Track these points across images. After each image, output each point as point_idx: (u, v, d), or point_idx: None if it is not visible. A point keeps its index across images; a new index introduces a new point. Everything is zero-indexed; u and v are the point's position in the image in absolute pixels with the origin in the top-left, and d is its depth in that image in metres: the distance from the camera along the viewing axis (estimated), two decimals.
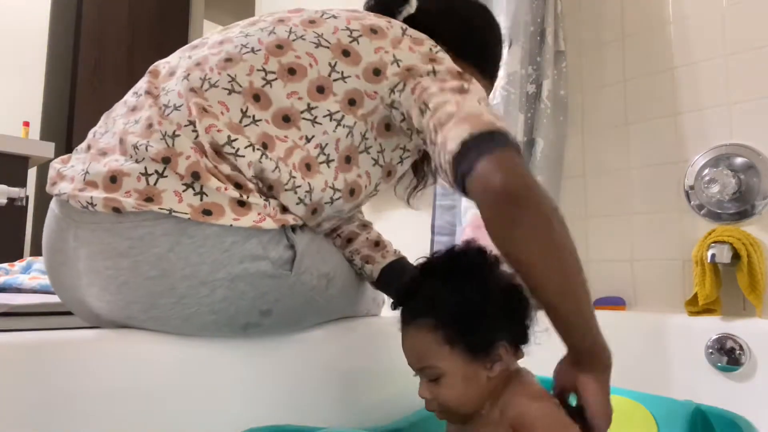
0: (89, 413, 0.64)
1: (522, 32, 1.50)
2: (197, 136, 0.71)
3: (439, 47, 0.80)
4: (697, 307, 1.29)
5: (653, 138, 1.51)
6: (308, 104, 0.75)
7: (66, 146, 2.25)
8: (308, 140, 0.75)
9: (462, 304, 0.66)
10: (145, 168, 0.70)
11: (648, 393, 0.84)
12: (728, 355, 1.22)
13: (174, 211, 0.68)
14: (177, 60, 0.82)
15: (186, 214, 0.68)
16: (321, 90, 0.76)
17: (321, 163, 0.75)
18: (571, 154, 1.66)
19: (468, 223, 1.32)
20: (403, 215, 1.98)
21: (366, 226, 1.00)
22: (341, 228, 0.98)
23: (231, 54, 0.78)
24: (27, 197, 1.60)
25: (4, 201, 1.45)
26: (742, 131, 1.36)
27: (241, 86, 0.75)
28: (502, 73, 1.50)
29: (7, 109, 2.07)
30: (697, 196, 1.41)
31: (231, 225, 0.69)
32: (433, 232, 1.62)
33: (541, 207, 0.62)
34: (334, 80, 0.76)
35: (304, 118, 0.75)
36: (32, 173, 1.83)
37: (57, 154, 1.43)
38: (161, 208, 0.68)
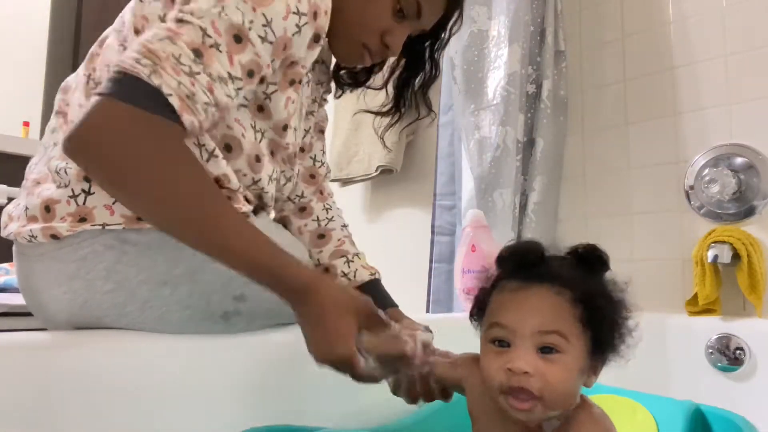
0: (89, 413, 0.64)
1: (522, 32, 1.50)
2: None
3: None
4: (697, 307, 1.29)
5: (653, 138, 1.51)
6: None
7: None
8: None
9: (604, 296, 0.60)
10: (72, 190, 0.69)
11: (648, 393, 0.84)
12: (728, 355, 1.21)
13: (107, 225, 0.68)
14: (81, 68, 0.79)
15: (120, 224, 0.68)
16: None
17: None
18: (571, 154, 1.65)
19: (468, 223, 1.32)
20: (403, 215, 1.98)
21: (323, 236, 0.95)
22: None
23: (107, 42, 0.75)
24: None
25: (4, 201, 1.45)
26: (742, 131, 1.36)
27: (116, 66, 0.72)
28: (502, 73, 1.50)
29: (7, 109, 2.06)
30: (697, 196, 1.41)
31: None
32: (433, 232, 1.62)
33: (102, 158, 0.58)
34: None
35: None
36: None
37: None
38: (94, 225, 0.68)
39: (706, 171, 1.38)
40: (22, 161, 1.64)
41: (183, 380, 0.72)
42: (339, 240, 0.94)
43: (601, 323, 0.59)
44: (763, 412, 0.94)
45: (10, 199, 1.44)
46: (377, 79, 0.98)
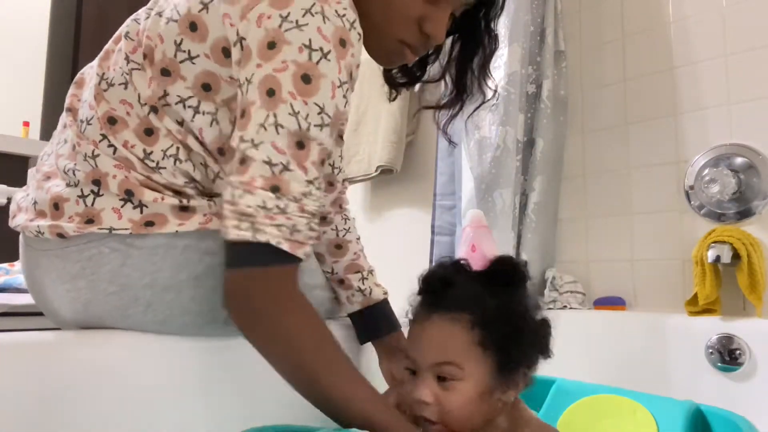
0: (89, 413, 0.64)
1: (522, 32, 1.50)
2: (115, 151, 0.70)
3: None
4: (697, 307, 1.29)
5: (653, 138, 1.51)
6: (164, 91, 0.69)
7: None
8: (180, 124, 0.70)
9: (505, 313, 0.62)
10: (81, 190, 0.70)
11: (648, 393, 0.84)
12: (728, 355, 1.21)
13: (114, 230, 0.68)
14: (95, 63, 0.78)
15: (127, 230, 0.68)
16: (167, 73, 0.69)
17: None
18: (571, 154, 1.65)
19: (468, 223, 1.32)
20: (403, 215, 1.98)
21: (340, 246, 0.94)
22: None
23: (121, 46, 0.74)
24: None
25: (4, 201, 1.45)
26: (742, 131, 1.36)
27: (128, 74, 0.71)
28: (502, 73, 1.50)
29: (7, 109, 2.06)
30: (697, 196, 1.41)
31: (176, 231, 0.69)
32: (433, 232, 1.62)
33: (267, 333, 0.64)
34: (181, 62, 0.68)
35: (165, 105, 0.70)
36: (31, 173, 1.82)
37: None
38: (101, 228, 0.68)
39: (706, 171, 1.38)
40: (22, 161, 1.65)
41: (183, 380, 0.72)
42: (355, 254, 0.94)
43: (503, 342, 0.62)
44: (763, 412, 0.94)
45: (10, 199, 1.44)
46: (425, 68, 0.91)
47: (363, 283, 0.92)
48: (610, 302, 1.50)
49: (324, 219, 0.94)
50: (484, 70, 0.86)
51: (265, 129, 0.61)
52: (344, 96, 0.66)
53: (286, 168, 0.62)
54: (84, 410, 0.63)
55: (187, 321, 0.73)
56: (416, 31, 0.74)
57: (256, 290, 0.62)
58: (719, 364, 1.22)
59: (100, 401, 0.65)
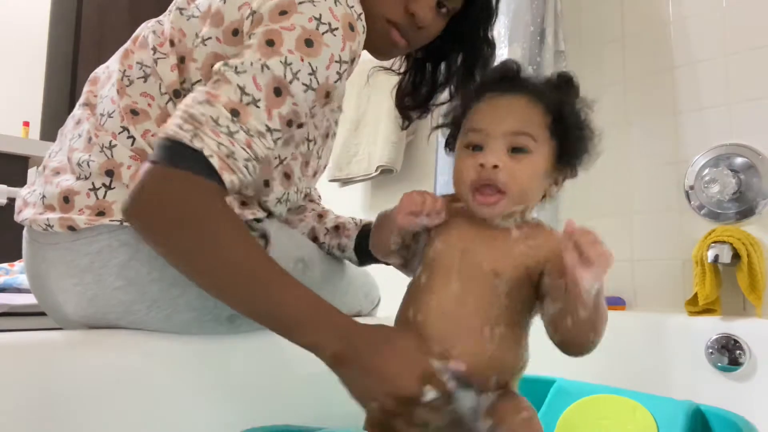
0: (89, 413, 0.64)
1: (522, 32, 1.50)
2: (134, 142, 0.71)
3: None
4: (697, 307, 1.29)
5: (653, 138, 1.51)
6: (182, 77, 0.73)
7: None
8: None
9: (573, 109, 0.67)
10: (93, 183, 0.70)
11: (648, 393, 0.84)
12: (728, 355, 1.21)
13: (125, 222, 0.68)
14: (114, 62, 0.80)
15: None
16: (183, 60, 0.73)
17: None
18: None
19: None
20: None
21: (321, 215, 0.98)
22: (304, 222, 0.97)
23: (141, 40, 0.77)
24: None
25: (4, 201, 1.45)
26: (742, 131, 1.36)
27: (149, 67, 0.74)
28: None
29: (7, 109, 2.06)
30: (697, 196, 1.41)
31: None
32: None
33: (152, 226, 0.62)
34: (196, 47, 0.72)
35: (182, 91, 0.73)
36: (32, 173, 1.83)
37: None
38: (112, 221, 0.68)
39: (706, 171, 1.38)
40: (22, 161, 1.65)
41: (183, 380, 0.72)
42: (336, 216, 0.98)
43: (567, 133, 0.66)
44: (763, 412, 0.94)
45: (10, 199, 1.44)
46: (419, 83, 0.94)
47: (353, 220, 0.96)
48: (610, 302, 1.50)
49: (298, 208, 0.96)
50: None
51: (252, 64, 0.63)
52: (338, 74, 0.68)
53: (254, 103, 0.63)
54: (85, 411, 0.63)
55: (191, 317, 0.73)
56: (401, 9, 0.75)
57: (174, 191, 0.61)
58: (719, 364, 1.22)
59: (101, 402, 0.65)
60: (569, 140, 0.66)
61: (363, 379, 0.60)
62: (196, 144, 0.60)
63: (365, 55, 0.79)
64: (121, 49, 0.80)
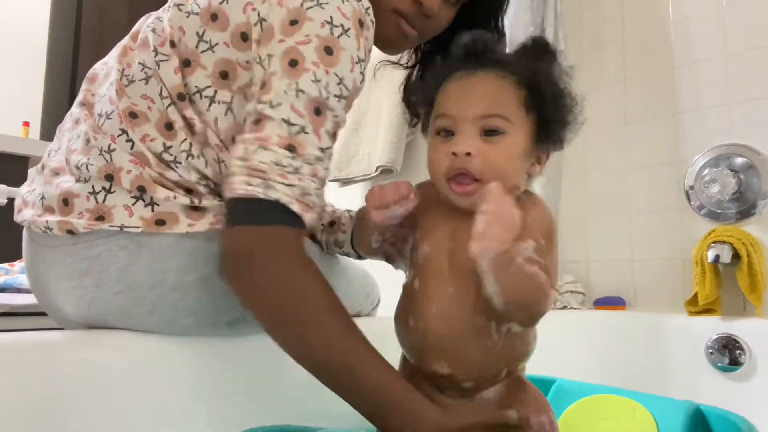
0: (89, 413, 0.64)
1: (522, 32, 1.50)
2: (133, 146, 0.70)
3: None
4: (697, 307, 1.29)
5: (653, 138, 1.51)
6: (185, 82, 0.71)
7: None
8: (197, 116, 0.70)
9: (548, 79, 0.62)
10: (93, 187, 0.69)
11: (648, 393, 0.84)
12: (728, 355, 1.21)
13: (125, 227, 0.68)
14: (113, 59, 0.78)
15: (138, 228, 0.68)
16: (187, 64, 0.70)
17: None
18: (571, 154, 1.65)
19: None
20: None
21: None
22: None
23: (142, 38, 0.75)
24: None
25: (4, 201, 1.45)
26: (742, 131, 1.36)
27: (150, 68, 0.72)
28: None
29: (7, 109, 2.06)
30: (697, 196, 1.41)
31: (186, 232, 0.69)
32: None
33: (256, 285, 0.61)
34: (202, 51, 0.70)
35: (185, 96, 0.71)
36: (32, 173, 1.82)
37: None
38: (112, 226, 0.68)
39: (706, 171, 1.38)
40: (22, 161, 1.65)
41: (183, 380, 0.72)
42: (332, 210, 0.97)
43: (545, 107, 0.61)
44: (763, 412, 0.94)
45: (10, 199, 1.44)
46: None
47: (347, 212, 0.95)
48: (610, 302, 1.50)
49: None
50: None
51: (286, 93, 0.63)
52: (361, 73, 0.68)
53: (303, 130, 0.62)
54: (85, 411, 0.63)
55: (191, 322, 0.73)
56: (409, 1, 0.74)
57: (261, 249, 0.61)
58: (719, 364, 1.22)
59: (101, 402, 0.65)
60: (548, 113, 0.62)
61: None
62: (272, 195, 0.60)
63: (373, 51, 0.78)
64: (119, 46, 0.78)
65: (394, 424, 0.58)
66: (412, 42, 0.82)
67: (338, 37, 0.64)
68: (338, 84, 0.65)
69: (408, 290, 0.66)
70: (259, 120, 0.63)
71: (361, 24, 0.66)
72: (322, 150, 0.64)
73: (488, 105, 0.60)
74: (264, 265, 0.61)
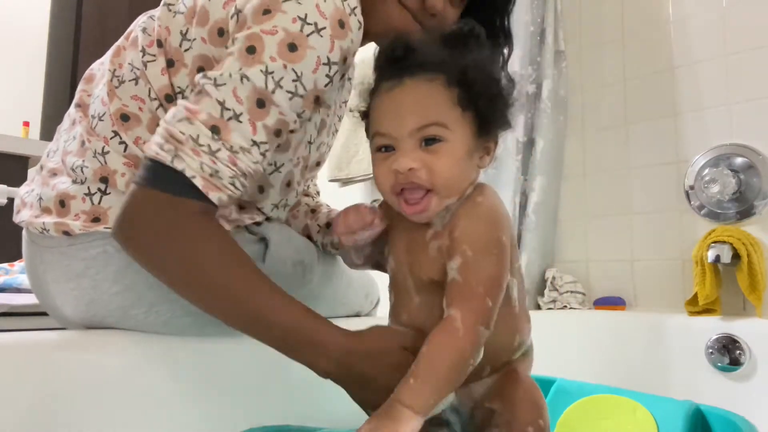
0: (89, 413, 0.64)
1: (522, 32, 1.50)
2: (126, 148, 0.70)
3: None
4: (697, 307, 1.29)
5: (653, 138, 1.51)
6: (170, 82, 0.71)
7: None
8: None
9: (478, 71, 0.59)
10: (88, 188, 0.70)
11: (648, 393, 0.84)
12: (728, 355, 1.21)
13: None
14: (107, 59, 0.78)
15: None
16: (171, 64, 0.71)
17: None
18: (571, 154, 1.65)
19: None
20: None
21: (314, 211, 0.97)
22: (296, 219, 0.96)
23: (133, 38, 0.75)
24: None
25: (4, 201, 1.45)
26: (742, 131, 1.36)
27: (138, 69, 0.72)
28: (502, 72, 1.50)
29: (7, 109, 2.06)
30: (697, 196, 1.41)
31: None
32: None
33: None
34: (185, 50, 0.70)
35: (170, 96, 0.71)
36: (32, 173, 1.82)
37: None
38: (107, 227, 0.68)
39: (706, 171, 1.38)
40: (22, 161, 1.65)
41: (183, 380, 0.72)
42: (328, 210, 0.97)
43: (480, 100, 0.59)
44: (763, 412, 0.94)
45: (10, 199, 1.44)
46: None
47: (327, 207, 0.95)
48: (610, 302, 1.50)
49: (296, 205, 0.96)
50: (503, 70, 0.85)
51: (231, 76, 0.61)
52: (328, 76, 0.65)
53: (236, 118, 0.61)
54: (85, 411, 0.63)
55: (189, 322, 0.73)
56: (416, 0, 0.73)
57: (161, 215, 0.60)
58: (719, 364, 1.22)
59: (102, 402, 0.65)
60: (484, 106, 0.60)
61: (359, 392, 0.62)
62: (177, 165, 0.59)
63: (369, 52, 0.76)
64: (115, 45, 0.78)
65: (308, 356, 0.61)
66: None
67: (308, 35, 0.62)
68: (294, 81, 0.62)
69: (390, 299, 0.68)
70: (200, 92, 0.62)
71: (341, 25, 0.64)
72: (254, 143, 0.62)
73: (422, 116, 0.58)
74: (162, 233, 0.60)
